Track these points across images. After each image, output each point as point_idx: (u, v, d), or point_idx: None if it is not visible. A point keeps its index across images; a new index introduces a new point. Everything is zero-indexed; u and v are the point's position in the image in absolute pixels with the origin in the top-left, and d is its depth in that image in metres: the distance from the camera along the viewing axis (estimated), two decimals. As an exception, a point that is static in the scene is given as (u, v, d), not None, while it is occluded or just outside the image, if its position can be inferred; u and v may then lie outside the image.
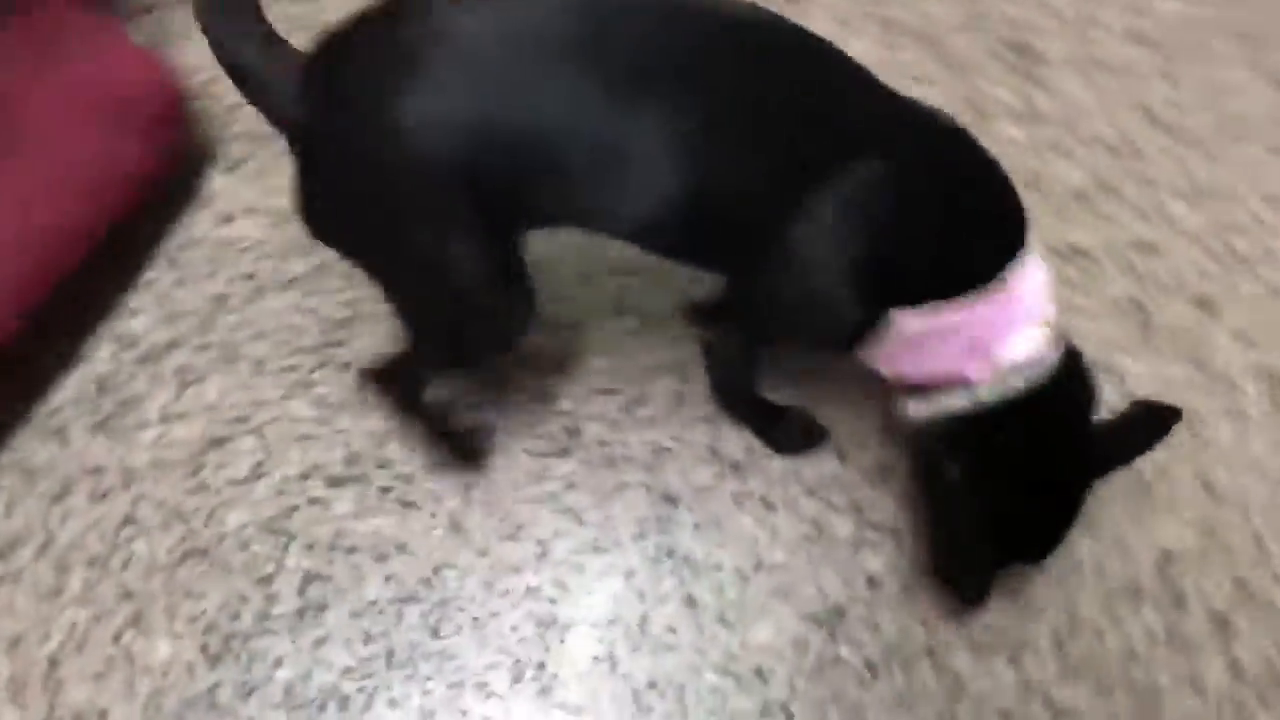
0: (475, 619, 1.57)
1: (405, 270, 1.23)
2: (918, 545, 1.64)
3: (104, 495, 1.61)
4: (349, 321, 1.74)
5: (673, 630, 1.59)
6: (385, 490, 1.64)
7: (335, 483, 1.64)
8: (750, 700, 1.56)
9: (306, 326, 1.73)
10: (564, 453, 1.68)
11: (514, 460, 1.67)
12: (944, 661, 1.58)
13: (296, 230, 1.79)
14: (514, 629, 1.57)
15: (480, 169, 1.15)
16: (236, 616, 1.55)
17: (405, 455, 1.66)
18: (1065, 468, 1.39)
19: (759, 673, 1.58)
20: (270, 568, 1.58)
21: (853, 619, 1.61)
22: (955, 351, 1.32)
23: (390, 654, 1.55)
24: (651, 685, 1.56)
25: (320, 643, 1.55)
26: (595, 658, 1.57)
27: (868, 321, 1.31)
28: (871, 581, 1.64)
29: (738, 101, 1.18)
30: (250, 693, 1.51)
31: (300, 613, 1.56)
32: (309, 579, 1.58)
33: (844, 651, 1.60)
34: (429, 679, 1.54)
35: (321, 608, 1.57)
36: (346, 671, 1.53)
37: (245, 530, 1.60)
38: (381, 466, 1.65)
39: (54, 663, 1.51)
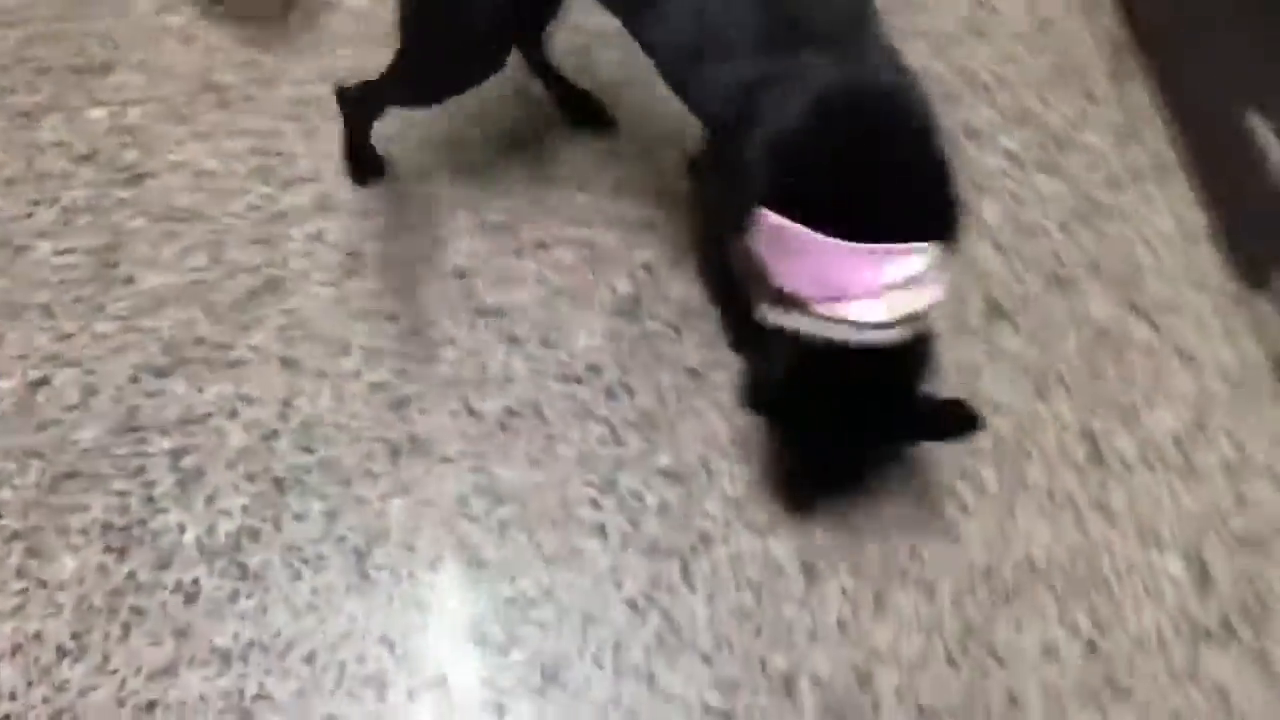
0: (339, 424, 1.71)
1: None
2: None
3: (-50, 470, 1.65)
4: (115, 245, 1.82)
5: (508, 366, 1.78)
6: (209, 362, 1.74)
7: (164, 373, 1.73)
8: (594, 390, 1.77)
9: (76, 262, 1.80)
10: (352, 274, 1.83)
11: (314, 296, 1.80)
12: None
13: (31, 187, 1.86)
14: (375, 420, 1.72)
15: None
16: (125, 510, 1.63)
17: (215, 329, 1.77)
18: (863, 418, 1.49)
19: (592, 368, 1.79)
20: (137, 461, 1.66)
21: (646, 300, 1.85)
22: (804, 279, 1.41)
23: (278, 482, 1.66)
24: (510, 413, 1.74)
25: (211, 499, 1.65)
26: (452, 411, 1.74)
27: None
28: (648, 268, 1.88)
29: None
30: (167, 564, 1.60)
31: (181, 484, 1.65)
32: (177, 455, 1.67)
33: (649, 325, 1.83)
34: (320, 486, 1.67)
35: (199, 473, 1.66)
36: (245, 510, 1.64)
37: (100, 440, 1.67)
38: (198, 343, 1.75)
39: (-29, 615, 1.56)
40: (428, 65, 1.63)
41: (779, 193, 1.39)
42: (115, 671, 1.52)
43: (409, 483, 1.68)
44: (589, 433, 1.74)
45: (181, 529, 1.62)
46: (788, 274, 1.42)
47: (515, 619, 1.60)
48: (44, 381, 1.70)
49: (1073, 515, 1.74)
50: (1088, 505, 1.75)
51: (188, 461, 1.67)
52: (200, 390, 1.72)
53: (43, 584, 1.57)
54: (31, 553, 1.59)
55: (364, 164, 1.90)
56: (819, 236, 1.36)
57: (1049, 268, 1.92)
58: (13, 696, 1.50)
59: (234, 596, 1.58)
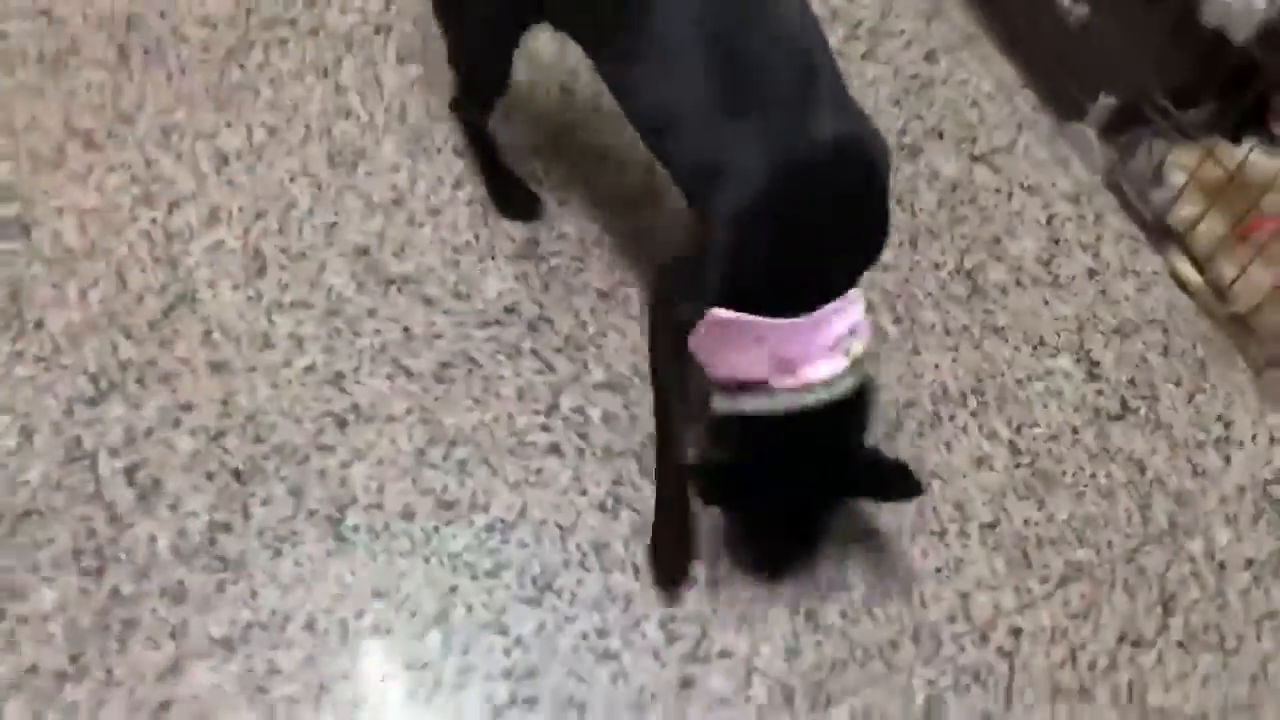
0: (282, 411, 1.74)
1: (454, 23, 1.74)
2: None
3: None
4: (16, 294, 1.79)
5: (429, 324, 1.85)
6: (140, 381, 1.75)
7: (97, 401, 1.73)
8: (517, 328, 1.85)
9: (-19, 318, 1.80)
10: (259, 273, 1.86)
11: (227, 301, 1.83)
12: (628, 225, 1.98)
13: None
14: (316, 399, 1.75)
15: None
16: (92, 534, 1.63)
17: (138, 350, 1.79)
18: (820, 480, 1.51)
19: (509, 310, 1.87)
20: (91, 486, 1.66)
21: (543, 240, 1.94)
22: (761, 363, 1.42)
23: (237, 474, 1.69)
24: (444, 366, 1.80)
25: (175, 505, 1.66)
26: (388, 375, 1.78)
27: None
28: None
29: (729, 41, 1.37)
30: (147, 573, 1.60)
31: (141, 497, 1.66)
32: (130, 472, 1.68)
33: (554, 261, 1.92)
34: (279, 469, 1.70)
35: (157, 483, 1.67)
36: (212, 507, 1.66)
37: (50, 475, 1.66)
38: (124, 367, 1.76)
39: (-40, 666, 1.54)
40: (458, 44, 1.78)
41: (737, 279, 1.40)
42: (121, 683, 1.53)
43: (363, 448, 1.73)
44: (521, 367, 1.82)
45: (153, 538, 1.63)
46: (739, 363, 1.44)
47: (496, 544, 1.67)
48: (-23, 434, 1.70)
49: (969, 341, 1.90)
50: (980, 330, 1.92)
51: (142, 476, 1.68)
52: (138, 408, 1.73)
53: (25, 620, 1.56)
54: (7, 594, 1.58)
55: (507, 194, 1.96)
56: (770, 321, 1.38)
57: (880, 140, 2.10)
58: (23, 733, 1.50)
59: (220, 587, 1.61)
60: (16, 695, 1.51)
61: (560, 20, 1.59)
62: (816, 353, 1.41)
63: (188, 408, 1.74)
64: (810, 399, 1.43)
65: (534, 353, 1.83)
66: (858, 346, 1.45)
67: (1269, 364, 1.89)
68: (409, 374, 1.80)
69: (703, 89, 1.37)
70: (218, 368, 1.78)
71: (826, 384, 1.42)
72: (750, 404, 1.46)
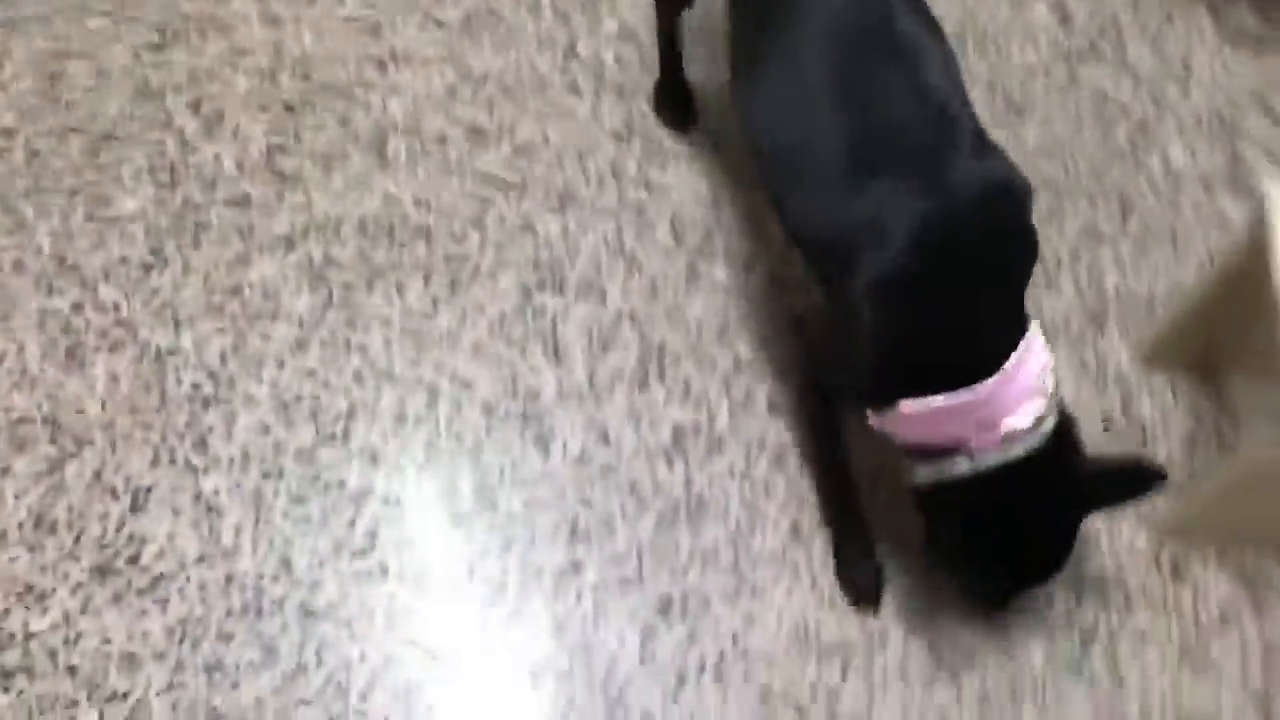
0: (326, 54, 1.87)
1: None
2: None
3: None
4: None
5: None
6: (199, 30, 1.88)
7: (161, 47, 1.85)
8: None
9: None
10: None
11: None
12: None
13: None
14: (356, 45, 1.88)
15: None
16: (164, 154, 1.76)
17: (196, 5, 1.92)
18: (1053, 514, 1.36)
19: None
20: (162, 116, 1.79)
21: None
22: (962, 428, 1.30)
23: (289, 107, 1.81)
24: (469, 17, 1.91)
25: (235, 132, 1.79)
26: (419, 25, 1.91)
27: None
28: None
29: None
30: (214, 185, 1.75)
31: (206, 126, 1.79)
32: (195, 105, 1.81)
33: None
34: (326, 104, 1.83)
35: (219, 114, 1.80)
36: (269, 134, 1.80)
37: (124, 108, 1.79)
38: (184, 19, 1.87)
39: (59, 258, 1.71)
40: None
41: (893, 360, 1.30)
42: (197, 271, 1.69)
43: (401, 85, 1.85)
44: (540, 18, 1.93)
45: (218, 158, 1.78)
46: (935, 434, 1.32)
47: (524, 165, 1.80)
48: (58, 74, 1.82)
49: None
50: (962, -13, 2.02)
51: (206, 108, 1.81)
52: (199, 54, 1.86)
53: (112, 221, 1.72)
54: (94, 200, 1.72)
55: (671, 98, 1.87)
56: (963, 396, 1.27)
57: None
58: (116, 308, 1.66)
59: (279, 196, 1.75)
60: (107, 282, 1.67)
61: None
62: (1012, 405, 1.28)
63: (243, 53, 1.86)
64: (1016, 450, 1.30)
65: (552, 6, 1.94)
66: (1050, 380, 1.32)
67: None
68: (439, 24, 1.91)
69: (835, 143, 1.29)
70: (267, 19, 1.89)
71: (1029, 430, 1.29)
72: (952, 469, 1.32)
